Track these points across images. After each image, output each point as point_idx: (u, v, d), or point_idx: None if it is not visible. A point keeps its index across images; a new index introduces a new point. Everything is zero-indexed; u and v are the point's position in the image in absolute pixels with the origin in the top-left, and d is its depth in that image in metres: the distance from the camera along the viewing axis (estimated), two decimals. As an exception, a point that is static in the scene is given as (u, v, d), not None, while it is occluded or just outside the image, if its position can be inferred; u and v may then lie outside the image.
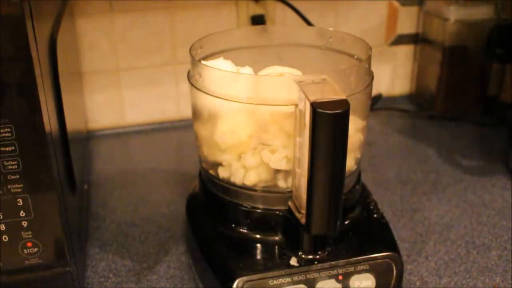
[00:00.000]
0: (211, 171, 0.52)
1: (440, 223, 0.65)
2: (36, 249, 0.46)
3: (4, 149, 0.41)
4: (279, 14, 0.87)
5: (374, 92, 0.90)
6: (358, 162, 0.53)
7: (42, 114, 0.42)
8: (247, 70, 0.51)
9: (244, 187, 0.49)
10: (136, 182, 0.74)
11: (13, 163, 0.42)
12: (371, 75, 0.50)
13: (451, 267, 0.58)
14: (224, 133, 0.48)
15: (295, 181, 0.46)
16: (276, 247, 0.48)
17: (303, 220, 0.44)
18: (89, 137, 0.86)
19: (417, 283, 0.55)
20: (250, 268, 0.46)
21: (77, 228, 0.54)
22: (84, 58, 0.84)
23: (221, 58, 0.52)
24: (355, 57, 0.53)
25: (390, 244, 0.50)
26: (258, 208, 0.49)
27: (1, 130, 0.41)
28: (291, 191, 0.47)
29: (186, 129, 0.88)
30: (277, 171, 0.48)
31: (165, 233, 0.63)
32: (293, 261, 0.47)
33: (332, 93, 0.41)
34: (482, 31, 0.85)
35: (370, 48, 0.50)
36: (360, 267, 0.47)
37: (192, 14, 0.84)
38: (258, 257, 0.49)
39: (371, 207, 0.54)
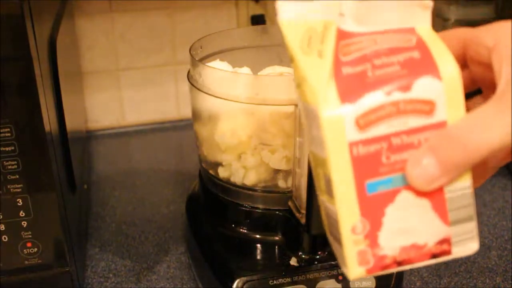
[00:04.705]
0: (211, 171, 0.52)
1: (440, 223, 0.65)
2: (35, 249, 0.46)
3: (4, 149, 0.41)
4: (279, 14, 0.87)
5: (374, 92, 0.90)
6: (358, 162, 0.52)
7: (42, 114, 0.42)
8: (245, 70, 0.51)
9: (244, 187, 0.49)
10: (136, 182, 0.74)
11: (12, 163, 0.42)
12: (371, 75, 0.50)
13: (451, 267, 0.57)
14: (224, 133, 0.48)
15: (295, 181, 0.46)
16: (276, 247, 0.48)
17: (303, 220, 0.44)
18: (89, 137, 0.86)
19: (417, 283, 0.55)
20: (250, 268, 0.46)
21: (77, 228, 0.54)
22: (84, 58, 0.84)
23: (218, 60, 0.52)
24: (355, 57, 0.53)
25: (390, 244, 0.50)
26: (258, 208, 0.49)
27: (1, 130, 0.41)
28: (291, 191, 0.47)
29: (186, 129, 0.88)
30: (277, 171, 0.48)
31: (165, 233, 0.63)
32: (293, 261, 0.46)
33: (332, 93, 0.41)
34: (482, 31, 0.85)
35: (370, 48, 0.49)
36: (360, 267, 0.47)
37: (192, 14, 0.84)
38: (258, 257, 0.49)
39: (371, 207, 0.54)
